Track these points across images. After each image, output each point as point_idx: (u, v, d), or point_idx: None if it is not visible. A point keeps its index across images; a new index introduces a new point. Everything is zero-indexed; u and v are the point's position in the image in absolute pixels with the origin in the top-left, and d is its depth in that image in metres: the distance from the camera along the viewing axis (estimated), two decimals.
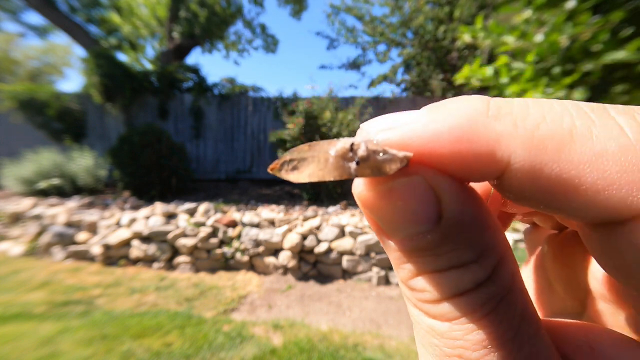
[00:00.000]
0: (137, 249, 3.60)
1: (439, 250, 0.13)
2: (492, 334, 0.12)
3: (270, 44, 10.57)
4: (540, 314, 0.20)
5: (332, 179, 0.13)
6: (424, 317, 0.14)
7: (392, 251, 0.14)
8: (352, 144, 0.13)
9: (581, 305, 0.20)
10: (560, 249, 0.21)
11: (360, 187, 0.14)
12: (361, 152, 0.13)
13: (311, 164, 0.14)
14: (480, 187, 0.18)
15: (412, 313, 0.14)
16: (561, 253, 0.21)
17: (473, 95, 0.13)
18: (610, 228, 0.11)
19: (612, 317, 0.17)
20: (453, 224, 0.13)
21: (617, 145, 0.11)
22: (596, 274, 0.18)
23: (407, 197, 0.13)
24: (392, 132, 0.13)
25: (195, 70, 7.32)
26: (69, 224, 3.92)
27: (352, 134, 4.99)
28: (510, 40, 1.18)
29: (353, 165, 0.13)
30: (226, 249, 3.58)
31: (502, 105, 0.12)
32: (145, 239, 3.65)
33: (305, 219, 3.81)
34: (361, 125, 0.14)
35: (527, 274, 0.24)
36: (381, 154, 0.13)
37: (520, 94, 1.18)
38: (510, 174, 0.12)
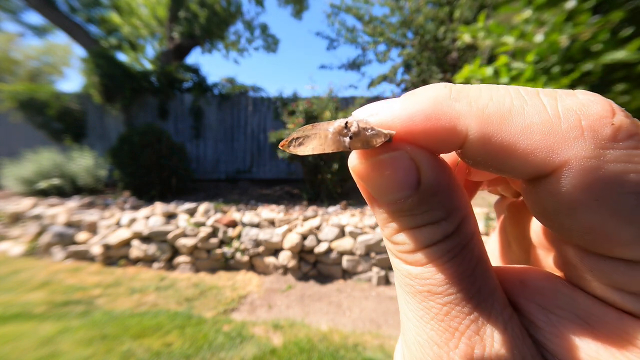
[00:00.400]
0: (137, 249, 3.60)
1: (417, 211, 0.16)
2: (453, 273, 0.16)
3: (271, 44, 10.56)
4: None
5: (330, 151, 0.16)
6: (403, 265, 0.17)
7: (380, 213, 0.17)
8: (346, 122, 0.16)
9: (527, 255, 0.24)
10: (515, 213, 0.25)
11: (355, 160, 0.17)
12: (353, 128, 0.16)
13: (314, 140, 0.17)
14: (448, 159, 0.21)
15: (393, 262, 0.18)
16: (515, 215, 0.25)
17: (440, 83, 0.16)
18: (537, 182, 0.15)
19: (544, 260, 0.22)
20: (429, 190, 0.16)
21: (540, 119, 0.14)
22: (534, 227, 0.23)
23: (393, 168, 0.16)
24: (376, 117, 0.16)
25: (195, 70, 7.32)
26: (69, 224, 3.92)
27: None
28: (510, 40, 1.18)
29: (347, 139, 0.16)
30: (226, 249, 3.58)
31: (460, 89, 0.16)
32: (145, 239, 3.65)
33: (305, 219, 3.81)
34: (352, 113, 0.17)
35: (494, 237, 0.29)
36: (369, 131, 0.16)
37: None
38: (468, 143, 0.15)
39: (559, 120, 0.14)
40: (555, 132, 0.14)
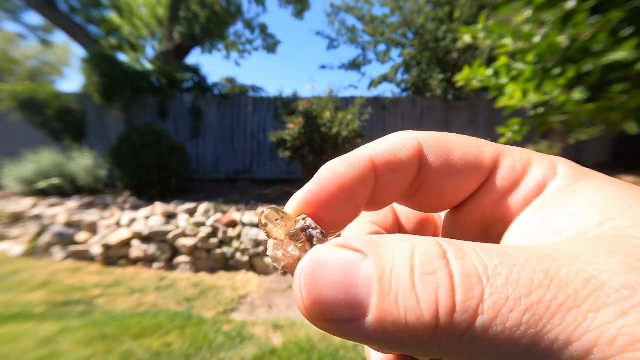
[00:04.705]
0: (137, 249, 3.60)
1: None
2: None
3: (271, 44, 10.56)
4: None
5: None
6: None
7: None
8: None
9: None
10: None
11: None
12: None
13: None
14: None
15: None
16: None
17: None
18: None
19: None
20: None
21: None
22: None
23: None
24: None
25: (195, 70, 7.32)
26: (69, 224, 3.92)
27: (352, 133, 5.00)
28: (509, 42, 1.18)
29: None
30: (226, 249, 3.58)
31: None
32: (145, 239, 3.65)
33: None
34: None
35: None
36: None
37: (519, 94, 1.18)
38: None
39: None
40: None
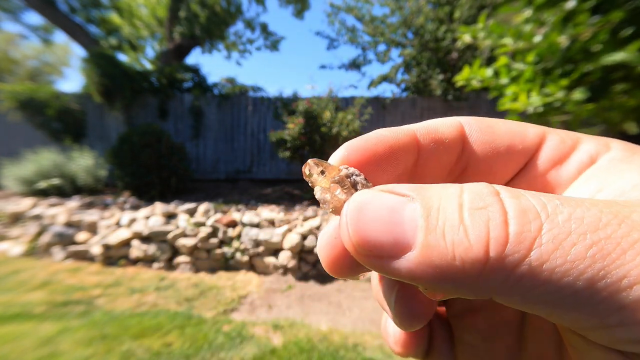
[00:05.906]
0: (137, 249, 3.60)
1: None
2: None
3: (273, 42, 10.54)
4: None
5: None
6: None
7: None
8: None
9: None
10: None
11: None
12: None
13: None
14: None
15: None
16: None
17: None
18: None
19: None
20: None
21: None
22: None
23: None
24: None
25: (195, 70, 7.32)
26: (69, 224, 3.92)
27: (352, 133, 5.00)
28: (509, 42, 1.18)
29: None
30: (226, 249, 3.58)
31: None
32: (145, 239, 3.65)
33: (305, 219, 3.81)
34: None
35: None
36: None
37: (517, 94, 1.18)
38: None
39: None
40: None
